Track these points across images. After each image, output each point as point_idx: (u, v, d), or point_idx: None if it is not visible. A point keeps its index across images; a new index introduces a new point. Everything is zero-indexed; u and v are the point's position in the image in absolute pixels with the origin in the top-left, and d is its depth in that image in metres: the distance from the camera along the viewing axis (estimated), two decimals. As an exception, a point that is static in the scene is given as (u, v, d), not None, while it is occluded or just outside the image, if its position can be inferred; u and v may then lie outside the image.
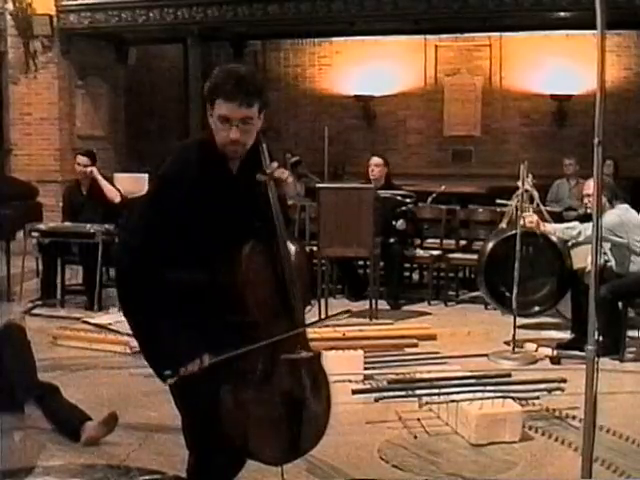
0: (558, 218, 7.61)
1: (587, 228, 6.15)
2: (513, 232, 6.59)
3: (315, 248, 7.68)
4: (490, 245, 7.11)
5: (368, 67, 13.05)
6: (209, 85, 2.82)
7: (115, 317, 7.35)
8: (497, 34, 12.57)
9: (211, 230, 2.83)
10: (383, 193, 8.09)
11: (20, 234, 8.81)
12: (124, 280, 2.86)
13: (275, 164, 2.94)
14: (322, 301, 7.48)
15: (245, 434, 2.85)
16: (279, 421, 2.90)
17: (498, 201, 7.58)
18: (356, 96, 13.31)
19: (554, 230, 6.66)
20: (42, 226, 8.49)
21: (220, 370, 2.79)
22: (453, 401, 4.92)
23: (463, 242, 9.03)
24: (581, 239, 6.46)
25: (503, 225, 7.21)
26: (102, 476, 4.21)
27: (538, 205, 6.81)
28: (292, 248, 2.99)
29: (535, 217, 6.54)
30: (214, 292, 2.81)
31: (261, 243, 2.90)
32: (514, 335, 6.41)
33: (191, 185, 2.79)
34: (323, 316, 7.23)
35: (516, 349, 6.42)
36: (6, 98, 12.37)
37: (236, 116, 2.77)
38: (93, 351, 6.61)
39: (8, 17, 11.98)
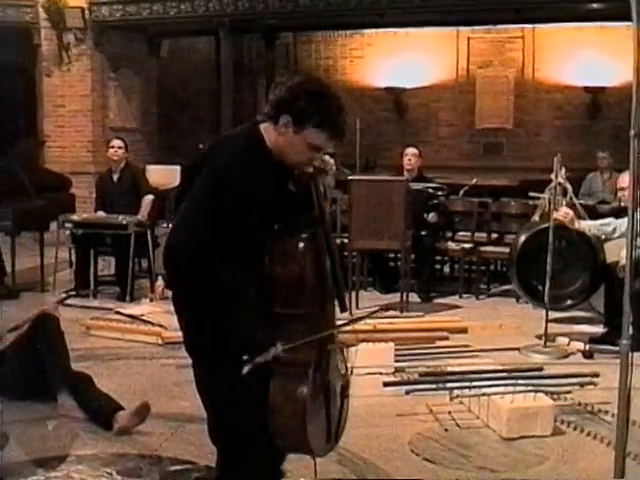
0: (591, 211, 7.53)
1: (622, 224, 6.08)
2: (546, 225, 6.54)
3: (346, 240, 7.69)
4: (522, 238, 7.07)
5: (400, 59, 13.01)
6: (309, 109, 2.76)
7: (147, 308, 7.41)
8: (530, 26, 12.48)
9: (266, 227, 2.83)
10: (415, 185, 8.06)
11: (53, 225, 8.90)
12: (188, 276, 2.79)
13: (325, 156, 2.95)
14: (353, 294, 7.48)
15: (295, 426, 2.83)
16: (326, 411, 2.92)
17: (530, 194, 7.51)
18: (387, 88, 13.29)
19: (589, 227, 6.58)
20: (75, 217, 8.56)
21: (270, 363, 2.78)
22: (484, 394, 4.90)
23: (495, 235, 8.96)
24: (616, 235, 6.39)
25: (536, 218, 7.16)
26: (134, 465, 4.24)
27: (571, 198, 6.75)
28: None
29: (570, 212, 6.47)
30: (268, 284, 2.81)
31: (310, 234, 2.89)
32: (546, 329, 6.37)
33: (250, 190, 2.75)
34: (356, 309, 7.26)
35: (548, 343, 6.37)
36: (40, 90, 12.49)
37: (327, 148, 2.83)
38: (125, 341, 6.65)
39: (41, 10, 12.08)
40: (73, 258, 8.74)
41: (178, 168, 10.18)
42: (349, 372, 3.11)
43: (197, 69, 14.32)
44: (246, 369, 2.70)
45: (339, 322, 3.05)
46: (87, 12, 11.96)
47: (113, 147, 8.59)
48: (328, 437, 2.98)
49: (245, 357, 2.70)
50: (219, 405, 2.92)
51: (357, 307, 7.40)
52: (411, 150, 8.72)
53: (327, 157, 3.03)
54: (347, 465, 4.17)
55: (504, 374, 5.42)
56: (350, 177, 7.84)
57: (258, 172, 2.78)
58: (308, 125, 2.76)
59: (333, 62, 13.92)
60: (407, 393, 5.25)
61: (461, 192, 9.18)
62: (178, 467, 4.22)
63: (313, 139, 2.78)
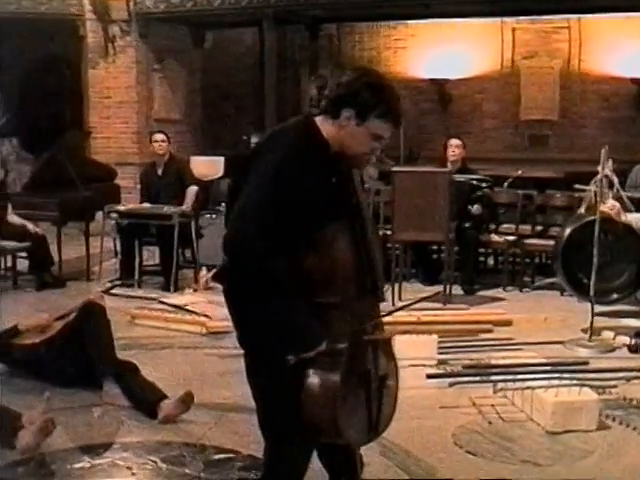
0: (638, 204, 7.42)
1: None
2: (592, 218, 6.47)
3: (389, 232, 7.67)
4: (568, 231, 7.00)
5: (444, 50, 12.91)
6: (372, 101, 2.84)
7: (191, 298, 7.47)
8: (575, 16, 12.30)
9: (316, 219, 2.84)
10: (459, 177, 8.01)
11: (99, 215, 9.00)
12: (247, 266, 2.82)
13: None
14: (396, 285, 7.47)
15: (326, 415, 2.85)
16: (364, 401, 2.92)
17: (576, 186, 7.43)
18: (431, 79, 13.20)
19: (635, 220, 6.49)
20: (120, 207, 8.66)
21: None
22: (528, 388, 4.87)
23: (539, 228, 8.89)
24: (663, 229, 6.30)
25: (581, 210, 7.07)
26: (178, 454, 4.29)
27: (618, 191, 6.66)
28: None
29: (616, 204, 6.39)
30: (308, 275, 2.83)
31: (348, 225, 2.92)
32: (591, 323, 6.30)
33: (307, 181, 2.80)
34: (399, 301, 7.26)
35: (593, 337, 6.31)
36: (85, 82, 12.60)
37: (387, 137, 2.91)
38: (169, 331, 6.70)
39: (86, 2, 12.18)
40: (118, 248, 8.83)
41: (222, 159, 10.26)
42: (391, 363, 3.11)
43: (241, 60, 14.35)
44: (291, 361, 2.76)
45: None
46: (132, 4, 12.04)
47: (156, 141, 8.65)
48: (369, 427, 2.99)
49: (293, 349, 2.76)
50: (268, 394, 2.96)
51: (400, 299, 7.40)
52: (455, 141, 8.67)
53: None
54: (390, 457, 4.18)
55: (549, 368, 5.39)
56: (394, 168, 7.82)
57: (315, 164, 2.84)
58: (371, 117, 2.84)
59: (377, 53, 13.85)
60: (450, 385, 5.25)
61: (505, 184, 9.11)
62: (221, 456, 4.25)
63: (376, 129, 2.86)
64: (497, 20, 12.68)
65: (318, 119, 2.93)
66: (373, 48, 13.87)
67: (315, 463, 3.19)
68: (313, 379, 2.83)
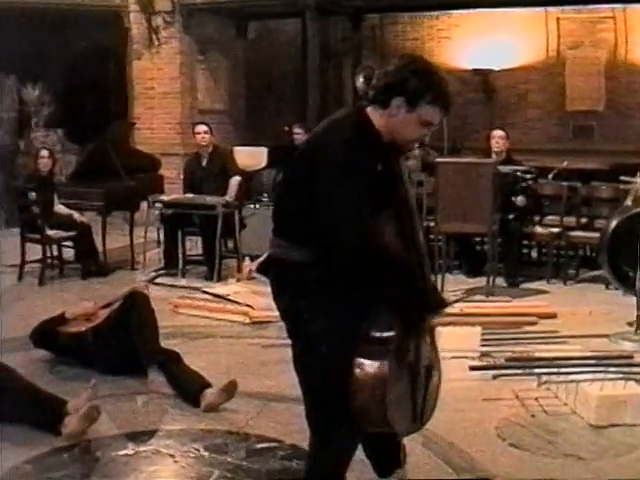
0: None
1: None
2: (638, 210, 6.39)
3: (432, 224, 7.64)
4: (614, 223, 6.91)
5: (487, 40, 12.80)
6: (422, 87, 2.86)
7: (234, 288, 7.50)
8: (621, 6, 12.11)
9: (372, 207, 2.88)
10: (503, 168, 7.95)
11: (143, 205, 9.08)
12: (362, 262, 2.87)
13: None
14: (439, 277, 7.44)
15: (383, 405, 2.87)
16: (411, 391, 2.94)
17: (622, 178, 7.34)
18: (475, 70, 13.09)
19: None
20: (164, 197, 8.72)
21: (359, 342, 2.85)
22: (573, 381, 4.83)
23: (584, 220, 8.80)
24: None
25: (628, 203, 6.98)
26: (221, 442, 4.31)
27: (665, 183, 6.59)
28: None
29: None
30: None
31: (395, 216, 2.95)
32: (638, 316, 6.21)
33: (364, 173, 2.84)
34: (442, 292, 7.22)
35: (639, 330, 6.23)
36: (130, 73, 12.70)
37: (437, 122, 2.94)
38: (212, 320, 6.75)
39: (130, -6, 12.29)
40: (161, 238, 8.90)
41: (265, 150, 10.29)
42: (435, 354, 3.12)
43: (284, 51, 14.35)
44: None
45: None
46: (175, -5, 12.11)
47: (199, 133, 8.68)
48: (414, 417, 2.99)
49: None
50: (317, 384, 2.98)
51: (443, 290, 7.36)
52: (498, 133, 8.61)
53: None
54: (432, 448, 4.17)
55: (593, 361, 5.33)
56: (438, 159, 7.78)
57: (369, 154, 2.86)
58: (421, 103, 2.87)
59: (420, 44, 13.76)
60: (494, 378, 5.21)
61: (550, 175, 9.02)
62: (264, 445, 4.27)
63: (427, 115, 2.89)
64: (541, 10, 12.54)
65: (368, 110, 2.94)
66: (416, 39, 13.79)
67: (357, 454, 3.20)
68: (363, 368, 2.85)
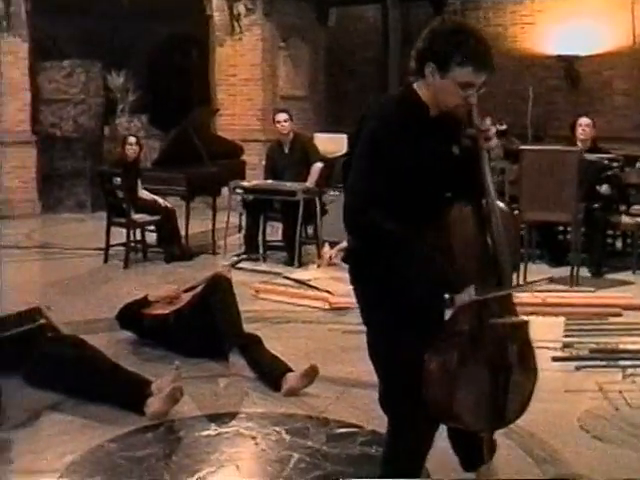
0: None
1: None
2: None
3: (514, 212, 7.53)
4: (703, 213, 6.73)
5: (572, 26, 12.53)
6: (448, 49, 2.74)
7: (314, 273, 7.53)
8: None
9: (430, 186, 2.84)
10: (588, 156, 7.79)
11: (225, 191, 9.17)
12: (363, 239, 2.92)
13: (489, 120, 2.91)
14: (521, 266, 7.33)
15: (450, 399, 2.85)
16: (484, 387, 2.89)
17: None
18: (559, 56, 12.85)
19: None
20: (246, 183, 8.79)
21: (430, 333, 2.83)
22: (658, 374, 4.73)
23: (672, 210, 8.58)
24: None
25: None
26: (301, 426, 4.34)
27: None
28: (502, 208, 2.96)
29: None
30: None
31: (470, 203, 2.89)
32: None
33: (404, 148, 2.79)
34: (521, 282, 7.12)
35: None
36: (212, 60, 12.83)
37: (479, 82, 2.78)
38: (293, 305, 6.79)
39: (212, -19, 12.40)
40: (243, 223, 8.98)
41: (345, 136, 10.26)
42: (525, 353, 3.04)
43: (365, 38, 14.31)
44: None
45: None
46: (257, -17, 12.18)
47: (279, 121, 8.69)
48: (492, 414, 2.94)
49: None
50: (390, 372, 2.97)
51: (525, 280, 7.26)
52: (585, 120, 8.45)
53: (488, 121, 2.97)
54: (514, 438, 4.12)
55: (680, 354, 5.21)
56: (522, 147, 7.66)
57: (414, 129, 2.80)
58: (452, 65, 2.74)
59: (503, 29, 13.56)
60: (577, 369, 5.13)
61: (637, 164, 8.82)
62: (344, 430, 4.28)
63: (461, 77, 2.75)
64: (627, -5, 12.24)
65: (417, 84, 2.88)
66: (499, 24, 13.58)
67: (437, 443, 3.18)
68: (432, 360, 2.83)
